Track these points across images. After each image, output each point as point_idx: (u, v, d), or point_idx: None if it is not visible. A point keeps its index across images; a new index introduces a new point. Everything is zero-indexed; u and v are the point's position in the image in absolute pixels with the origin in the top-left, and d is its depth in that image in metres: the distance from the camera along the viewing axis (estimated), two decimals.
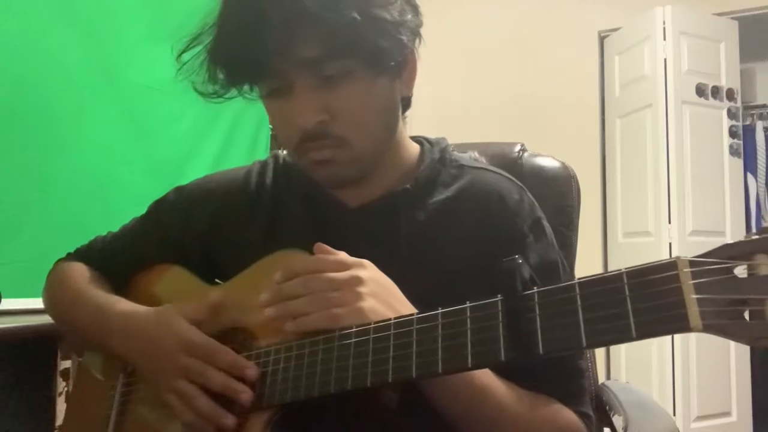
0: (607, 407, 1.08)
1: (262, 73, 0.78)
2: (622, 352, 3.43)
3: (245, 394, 0.73)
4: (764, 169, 3.65)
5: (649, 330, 0.49)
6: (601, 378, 1.25)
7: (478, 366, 0.61)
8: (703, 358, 3.10)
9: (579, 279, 0.55)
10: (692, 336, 3.07)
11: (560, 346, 0.55)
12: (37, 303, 1.07)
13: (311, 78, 0.76)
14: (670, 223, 3.16)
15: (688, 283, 0.47)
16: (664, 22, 3.26)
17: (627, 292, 0.51)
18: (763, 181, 3.64)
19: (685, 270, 0.47)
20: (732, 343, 3.18)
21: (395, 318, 0.66)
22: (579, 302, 0.54)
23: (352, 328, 0.68)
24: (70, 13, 2.11)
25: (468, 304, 0.62)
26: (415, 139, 0.95)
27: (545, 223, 0.89)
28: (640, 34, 3.40)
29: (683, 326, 0.47)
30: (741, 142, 3.39)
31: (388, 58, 0.78)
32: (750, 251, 0.46)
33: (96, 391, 0.96)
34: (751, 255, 0.46)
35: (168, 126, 2.46)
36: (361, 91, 0.78)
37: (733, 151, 3.33)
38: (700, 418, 3.09)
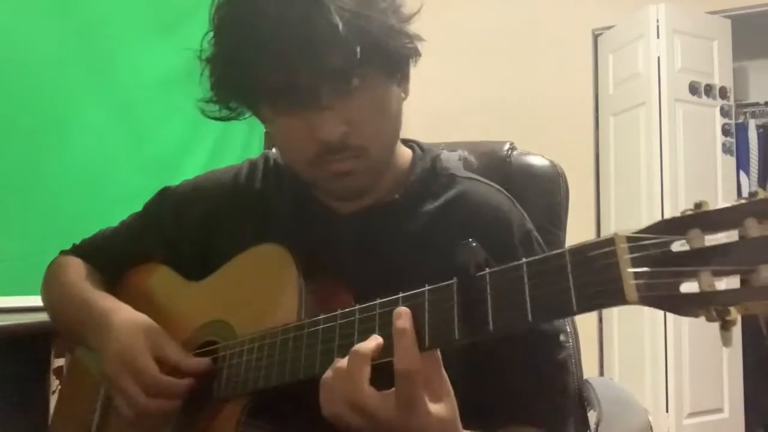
0: (586, 402, 1.09)
1: (288, 89, 0.76)
2: (614, 349, 3.44)
3: None
4: (757, 168, 3.66)
5: (588, 304, 0.51)
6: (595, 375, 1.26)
7: (433, 345, 0.62)
8: (696, 355, 3.11)
9: (527, 260, 0.57)
10: (685, 333, 3.09)
11: (508, 323, 0.57)
12: (31, 301, 1.09)
13: (334, 90, 0.75)
14: None
15: (624, 257, 0.49)
16: (657, 21, 3.27)
17: (569, 269, 0.53)
18: (756, 180, 3.65)
19: (622, 245, 0.49)
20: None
21: (360, 305, 0.68)
22: (526, 280, 0.56)
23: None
24: (64, 11, 2.12)
25: (426, 288, 0.63)
26: (406, 143, 0.95)
27: (535, 234, 0.89)
28: (634, 32, 3.41)
29: (619, 300, 0.49)
30: (734, 140, 3.40)
31: (403, 65, 0.80)
32: (685, 226, 0.47)
33: (85, 386, 0.98)
34: (686, 230, 0.47)
35: (162, 123, 2.47)
36: (378, 100, 0.79)
37: (726, 149, 3.35)
38: (692, 414, 3.10)
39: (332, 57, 0.72)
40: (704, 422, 3.12)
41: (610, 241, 0.50)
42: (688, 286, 0.47)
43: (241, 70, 0.77)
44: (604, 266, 0.49)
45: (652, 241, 0.47)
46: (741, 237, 0.45)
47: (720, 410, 3.20)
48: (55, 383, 1.66)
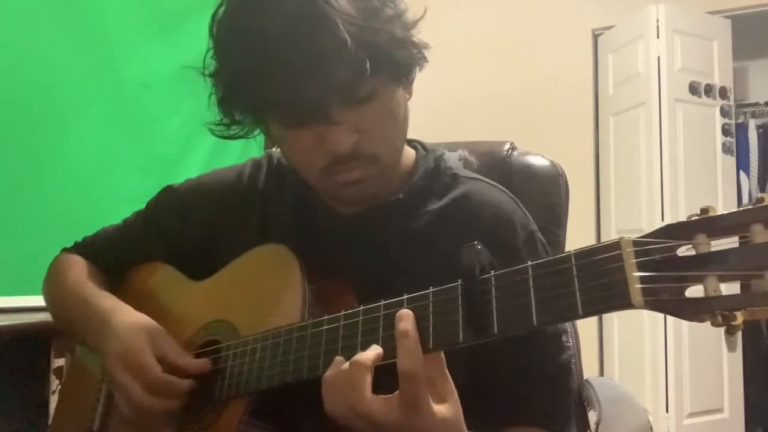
0: (586, 402, 1.10)
1: (296, 105, 0.75)
2: (614, 349, 3.44)
3: None
4: (757, 167, 3.66)
5: (593, 307, 0.51)
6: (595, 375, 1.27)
7: (437, 347, 0.62)
8: (696, 355, 3.11)
9: (531, 262, 0.57)
10: (685, 333, 3.09)
11: (513, 326, 0.57)
12: (31, 301, 1.08)
13: (343, 101, 0.75)
14: (663, 220, 3.16)
15: (630, 261, 0.49)
16: (657, 21, 3.27)
17: (575, 272, 0.53)
18: (756, 180, 3.65)
19: (628, 250, 0.49)
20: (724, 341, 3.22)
21: (363, 305, 0.68)
22: (531, 283, 0.56)
23: None
24: (63, 11, 2.11)
25: (431, 290, 0.63)
26: (409, 143, 0.95)
27: (539, 235, 0.89)
28: (634, 32, 3.41)
29: (625, 303, 0.49)
30: (734, 140, 3.40)
31: (409, 72, 0.80)
32: (691, 231, 0.48)
33: (85, 386, 0.98)
34: (692, 235, 0.48)
35: (162, 123, 2.46)
36: (386, 107, 0.79)
37: (726, 149, 3.35)
38: (692, 414, 3.10)
39: (341, 72, 0.72)
40: (704, 422, 3.12)
41: (616, 245, 0.50)
42: (694, 291, 0.47)
43: (248, 88, 0.76)
44: (610, 270, 0.50)
45: (658, 246, 0.47)
46: (747, 242, 0.45)
47: (720, 410, 3.21)
48: (55, 383, 1.66)
